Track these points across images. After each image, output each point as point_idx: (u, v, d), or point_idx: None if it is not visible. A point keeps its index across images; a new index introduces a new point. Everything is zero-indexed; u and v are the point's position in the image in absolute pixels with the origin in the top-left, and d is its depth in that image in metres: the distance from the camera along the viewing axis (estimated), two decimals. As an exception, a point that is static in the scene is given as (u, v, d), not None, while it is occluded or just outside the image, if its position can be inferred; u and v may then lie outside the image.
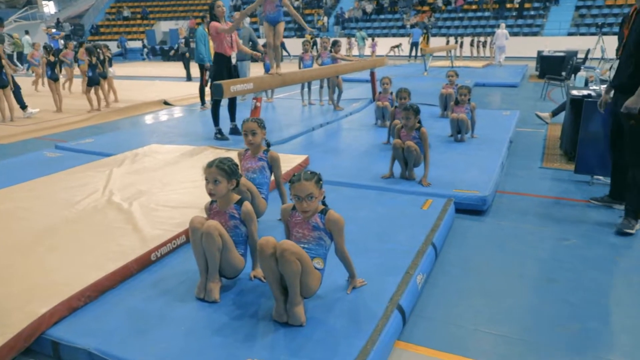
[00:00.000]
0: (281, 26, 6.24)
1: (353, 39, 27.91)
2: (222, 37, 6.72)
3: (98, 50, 11.09)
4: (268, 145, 4.00)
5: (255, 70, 10.86)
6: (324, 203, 2.78)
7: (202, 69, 9.95)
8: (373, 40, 27.35)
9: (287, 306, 2.59)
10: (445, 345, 2.64)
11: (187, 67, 16.52)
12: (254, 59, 9.07)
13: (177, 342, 2.48)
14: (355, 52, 26.98)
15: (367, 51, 27.07)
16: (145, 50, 32.59)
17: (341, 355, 2.35)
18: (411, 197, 4.52)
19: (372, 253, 3.39)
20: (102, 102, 10.83)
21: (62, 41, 23.05)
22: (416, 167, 4.99)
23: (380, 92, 7.95)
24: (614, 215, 4.30)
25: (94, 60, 10.55)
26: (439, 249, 3.68)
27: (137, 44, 33.77)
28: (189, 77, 16.50)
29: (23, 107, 9.92)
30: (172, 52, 16.14)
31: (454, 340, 2.69)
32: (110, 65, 11.84)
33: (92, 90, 10.60)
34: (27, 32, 24.17)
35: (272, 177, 4.02)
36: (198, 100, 11.11)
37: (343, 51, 25.96)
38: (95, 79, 10.55)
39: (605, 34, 17.21)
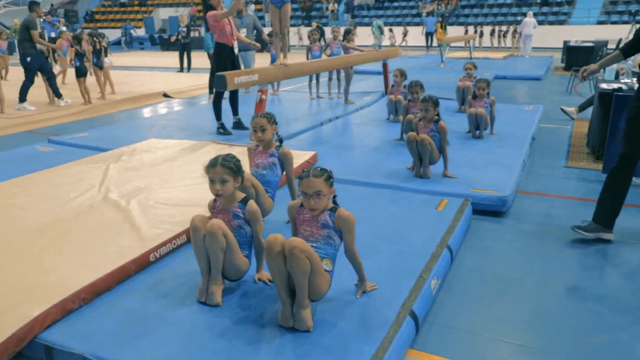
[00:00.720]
0: (287, 8, 6.25)
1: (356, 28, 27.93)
2: (222, 25, 6.74)
3: (95, 38, 11.14)
4: (280, 141, 4.01)
5: (261, 60, 10.90)
6: (334, 202, 2.80)
7: (211, 58, 10.01)
8: (391, 30, 27.29)
9: (294, 309, 2.61)
10: (461, 355, 2.65)
11: (188, 57, 16.62)
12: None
13: (177, 347, 2.50)
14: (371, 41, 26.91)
15: (386, 41, 26.98)
16: (124, 39, 32.65)
17: (350, 362, 2.37)
18: (426, 196, 4.53)
19: (383, 255, 3.40)
20: (92, 95, 10.85)
21: (63, 28, 23.21)
22: (432, 164, 5.00)
23: (392, 85, 7.96)
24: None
25: (81, 49, 10.60)
26: (455, 252, 3.69)
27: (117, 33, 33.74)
28: (183, 68, 16.67)
29: (22, 100, 10.04)
30: (173, 38, 16.26)
31: (471, 350, 2.69)
32: (106, 55, 11.90)
33: (82, 82, 10.57)
34: None
35: (283, 174, 4.03)
36: (198, 92, 11.17)
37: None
38: (83, 70, 10.58)
39: (639, 22, 17.11)
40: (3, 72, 14.83)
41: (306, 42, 11.16)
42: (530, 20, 20.51)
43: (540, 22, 25.88)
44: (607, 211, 3.91)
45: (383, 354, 2.41)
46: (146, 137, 6.92)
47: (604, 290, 3.26)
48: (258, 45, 8.57)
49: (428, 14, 28.70)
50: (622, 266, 3.58)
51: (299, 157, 5.48)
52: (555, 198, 4.89)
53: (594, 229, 3.92)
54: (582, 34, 21.46)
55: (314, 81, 10.48)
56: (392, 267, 3.23)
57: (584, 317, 2.98)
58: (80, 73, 10.52)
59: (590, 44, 15.04)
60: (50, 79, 10.36)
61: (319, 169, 2.72)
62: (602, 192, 3.92)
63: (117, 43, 32.61)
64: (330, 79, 10.42)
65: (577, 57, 14.68)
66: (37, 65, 10.04)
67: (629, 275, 3.45)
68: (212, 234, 2.76)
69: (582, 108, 8.03)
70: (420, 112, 5.07)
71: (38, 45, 10.14)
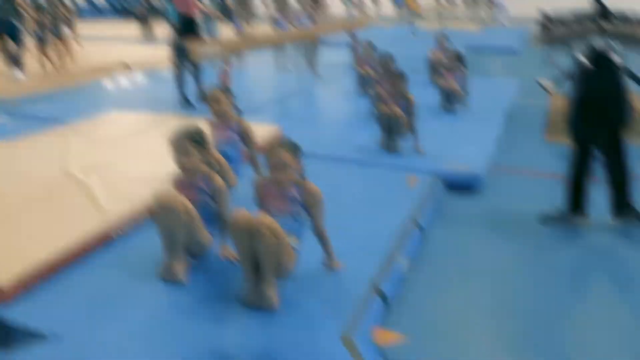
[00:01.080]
0: None
1: None
2: None
3: (55, 8, 10.95)
4: (239, 113, 4.00)
5: (225, 31, 10.77)
6: (302, 177, 2.82)
7: (173, 28, 9.88)
8: None
9: (259, 287, 2.62)
10: (431, 334, 2.72)
11: (149, 27, 16.40)
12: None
13: (140, 326, 2.53)
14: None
15: (356, 11, 26.68)
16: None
17: (317, 341, 2.43)
18: (396, 173, 4.54)
19: (351, 232, 3.42)
20: (52, 65, 10.70)
21: None
22: (402, 139, 5.02)
23: (361, 58, 7.95)
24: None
25: (41, 18, 10.40)
26: (426, 230, 3.72)
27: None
28: (144, 39, 16.49)
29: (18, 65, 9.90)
30: (140, 11, 16.20)
31: (440, 329, 2.77)
32: (69, 26, 11.68)
33: (42, 51, 10.41)
34: None
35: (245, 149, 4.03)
36: (160, 64, 10.99)
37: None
38: (43, 39, 10.36)
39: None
40: None
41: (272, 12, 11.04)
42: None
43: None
44: (570, 195, 3.87)
45: (351, 332, 2.45)
46: (107, 109, 6.82)
47: (584, 271, 3.35)
48: (221, 15, 8.48)
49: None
50: (602, 248, 3.63)
51: (261, 131, 5.44)
52: (530, 174, 4.95)
53: (562, 218, 3.88)
54: (562, 2, 21.54)
55: (280, 52, 10.39)
56: (361, 246, 3.26)
57: (561, 295, 3.06)
58: (41, 42, 10.31)
59: (571, 15, 15.10)
60: (20, 48, 10.10)
61: (285, 140, 2.74)
62: (565, 176, 3.90)
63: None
64: (296, 50, 10.34)
65: (556, 28, 14.76)
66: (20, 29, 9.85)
67: (608, 255, 3.53)
68: (174, 210, 2.77)
69: (560, 82, 8.09)
70: (388, 87, 5.09)
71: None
